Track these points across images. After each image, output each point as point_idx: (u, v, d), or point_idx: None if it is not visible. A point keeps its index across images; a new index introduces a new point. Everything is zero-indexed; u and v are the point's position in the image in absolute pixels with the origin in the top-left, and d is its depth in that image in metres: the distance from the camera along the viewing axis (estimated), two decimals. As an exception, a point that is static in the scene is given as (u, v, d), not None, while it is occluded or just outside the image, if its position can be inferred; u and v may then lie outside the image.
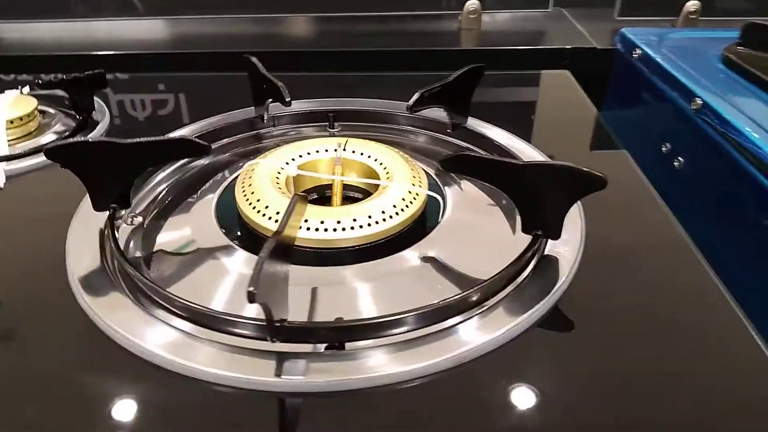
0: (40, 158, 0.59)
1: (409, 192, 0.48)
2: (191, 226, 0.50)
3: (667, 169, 0.69)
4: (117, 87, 0.80)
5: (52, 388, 0.36)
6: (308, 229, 0.45)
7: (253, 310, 0.38)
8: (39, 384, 0.37)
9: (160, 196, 0.55)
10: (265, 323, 0.36)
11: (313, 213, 0.45)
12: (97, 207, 0.48)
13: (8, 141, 0.62)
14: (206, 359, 0.36)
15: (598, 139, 0.66)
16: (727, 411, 0.35)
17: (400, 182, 0.49)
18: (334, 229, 0.45)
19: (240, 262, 0.45)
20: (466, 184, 0.54)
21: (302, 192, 0.49)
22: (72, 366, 0.38)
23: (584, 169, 0.39)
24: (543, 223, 0.44)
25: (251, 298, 0.31)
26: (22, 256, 0.48)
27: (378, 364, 0.36)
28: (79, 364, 0.38)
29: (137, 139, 0.46)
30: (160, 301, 0.41)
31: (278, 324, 0.36)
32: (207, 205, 0.52)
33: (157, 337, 0.38)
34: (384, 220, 0.46)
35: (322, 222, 0.45)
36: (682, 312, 0.41)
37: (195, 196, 0.55)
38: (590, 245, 0.46)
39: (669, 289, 0.43)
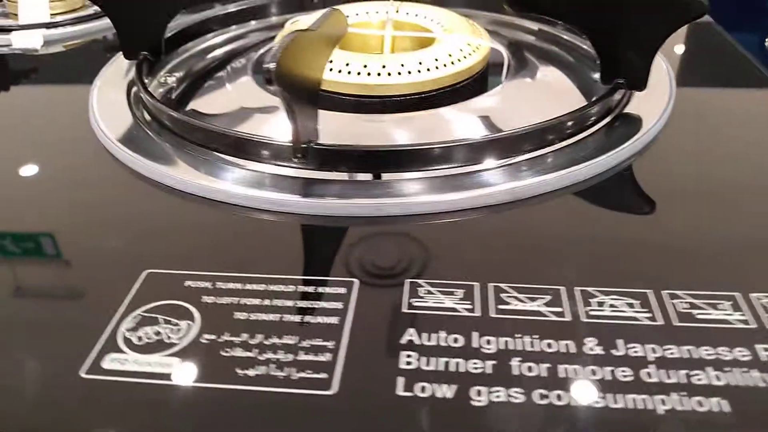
0: (79, 26, 0.57)
1: (468, 44, 0.42)
2: (228, 89, 0.46)
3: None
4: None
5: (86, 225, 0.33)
6: (349, 73, 0.39)
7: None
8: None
9: (196, 66, 0.50)
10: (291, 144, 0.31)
11: (355, 57, 0.39)
12: (128, 53, 0.44)
13: (51, 13, 0.59)
14: (233, 182, 0.32)
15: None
16: None
17: (459, 35, 0.42)
18: (378, 74, 0.39)
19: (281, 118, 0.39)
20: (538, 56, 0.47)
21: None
22: (102, 201, 0.35)
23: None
24: (626, 69, 0.37)
25: (268, 76, 0.26)
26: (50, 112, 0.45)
27: (415, 192, 0.31)
28: (108, 197, 0.35)
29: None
30: (180, 131, 0.37)
31: (305, 144, 0.31)
32: (243, 70, 0.47)
33: (181, 165, 0.34)
34: (437, 68, 0.40)
35: (365, 66, 0.39)
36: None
37: (232, 66, 0.49)
38: (678, 108, 0.39)
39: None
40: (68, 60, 0.55)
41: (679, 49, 0.50)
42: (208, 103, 0.44)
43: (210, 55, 0.51)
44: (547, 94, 0.42)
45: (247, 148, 0.33)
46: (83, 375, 0.23)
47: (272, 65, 0.26)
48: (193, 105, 0.43)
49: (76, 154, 0.39)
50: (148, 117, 0.39)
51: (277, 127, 0.34)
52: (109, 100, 0.41)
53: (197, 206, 0.32)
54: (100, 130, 0.38)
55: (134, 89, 0.42)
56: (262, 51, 0.50)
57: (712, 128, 0.39)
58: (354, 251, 0.29)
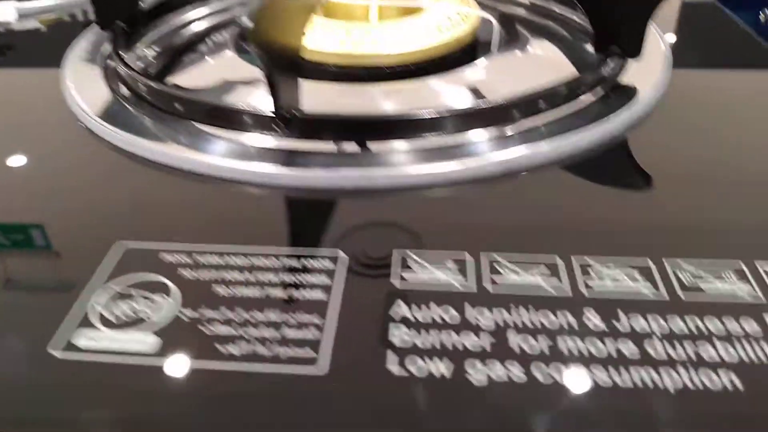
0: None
1: (458, 14, 0.40)
2: (210, 63, 0.44)
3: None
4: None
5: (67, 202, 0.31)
6: (333, 42, 0.37)
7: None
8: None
9: (176, 39, 0.48)
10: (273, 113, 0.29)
11: (340, 26, 0.38)
12: (102, 22, 0.42)
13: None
14: (214, 154, 0.31)
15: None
16: None
17: (448, 4, 0.41)
18: (364, 43, 0.37)
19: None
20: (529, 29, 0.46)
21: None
22: (76, 174, 0.33)
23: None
24: (620, 35, 0.35)
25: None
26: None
27: (404, 163, 0.30)
28: (82, 171, 0.33)
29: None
30: (156, 101, 0.35)
31: (286, 112, 0.29)
32: (225, 44, 0.45)
33: (160, 137, 0.33)
34: (425, 37, 0.38)
35: (350, 35, 0.37)
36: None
37: (214, 40, 0.47)
38: (676, 80, 0.37)
39: None
40: (42, 35, 0.52)
41: (677, 27, 0.49)
42: (190, 77, 0.42)
43: (190, 29, 0.49)
44: (539, 66, 0.41)
45: (227, 118, 0.31)
46: (52, 352, 0.21)
47: (249, 23, 0.25)
48: (173, 79, 0.41)
49: (47, 126, 0.37)
50: (125, 90, 0.37)
51: (261, 100, 0.32)
52: (82, 74, 0.39)
53: (177, 179, 0.31)
54: (75, 103, 0.36)
55: (109, 62, 0.40)
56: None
57: (711, 99, 0.38)
58: (341, 224, 0.27)
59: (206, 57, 0.45)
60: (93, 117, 0.34)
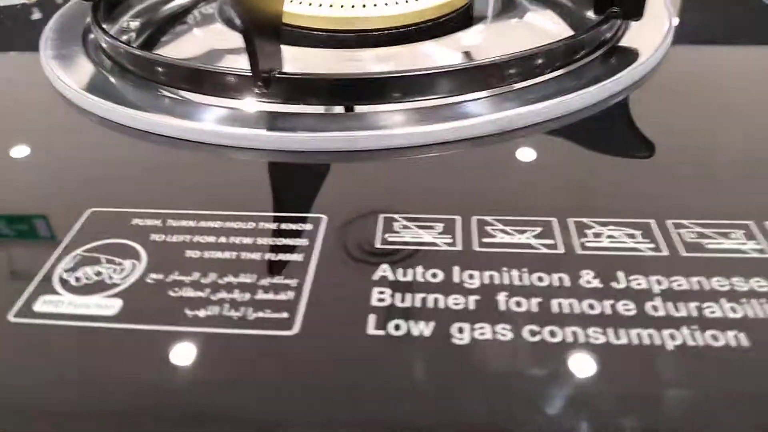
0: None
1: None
2: (196, 35, 0.42)
3: None
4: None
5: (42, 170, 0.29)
6: (321, 5, 0.36)
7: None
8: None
9: (162, 11, 0.46)
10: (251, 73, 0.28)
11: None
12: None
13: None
14: (194, 119, 0.30)
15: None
16: None
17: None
18: (353, 6, 0.36)
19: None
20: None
21: None
22: (47, 140, 0.32)
23: None
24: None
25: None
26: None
27: (392, 124, 0.28)
28: (55, 137, 0.32)
29: None
30: (135, 67, 0.34)
31: (267, 72, 0.28)
32: (213, 17, 0.43)
33: (139, 104, 0.31)
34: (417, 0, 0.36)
35: (336, -4, 0.36)
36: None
37: (201, 12, 0.46)
38: (678, 44, 0.36)
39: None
40: (26, 11, 0.51)
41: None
42: (175, 48, 0.40)
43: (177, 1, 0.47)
44: (536, 31, 0.39)
45: (206, 81, 0.30)
46: (11, 319, 0.20)
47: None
48: (158, 51, 0.40)
49: (26, 100, 0.35)
50: (106, 61, 0.36)
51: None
52: (62, 47, 0.38)
53: (158, 146, 0.29)
54: (55, 75, 0.34)
55: (91, 36, 0.38)
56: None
57: (714, 62, 0.36)
58: (323, 186, 0.26)
59: (193, 29, 0.43)
60: (71, 86, 0.33)
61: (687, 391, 0.17)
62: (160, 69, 0.32)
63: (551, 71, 0.31)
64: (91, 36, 0.39)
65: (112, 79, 0.34)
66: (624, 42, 0.35)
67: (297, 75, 0.29)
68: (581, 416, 0.17)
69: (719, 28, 0.41)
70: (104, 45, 0.36)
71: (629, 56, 0.33)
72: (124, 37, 0.41)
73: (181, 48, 0.40)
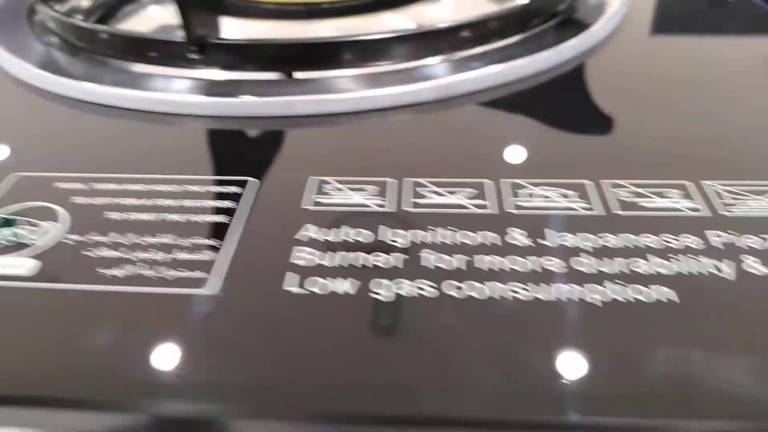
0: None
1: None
2: (150, 12, 0.41)
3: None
4: None
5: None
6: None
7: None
8: None
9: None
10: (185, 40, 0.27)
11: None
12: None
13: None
14: (129, 86, 0.29)
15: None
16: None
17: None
18: (304, -22, 0.35)
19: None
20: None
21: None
22: None
23: None
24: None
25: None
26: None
27: (330, 89, 0.27)
28: None
29: None
30: (75, 37, 0.32)
31: (200, 37, 0.27)
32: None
33: (75, 73, 0.30)
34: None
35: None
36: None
37: None
38: (633, 16, 0.36)
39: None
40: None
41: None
42: (127, 25, 0.40)
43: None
44: (497, 5, 0.39)
45: (144, 49, 0.29)
46: None
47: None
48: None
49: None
50: (52, 37, 0.35)
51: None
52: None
53: (88, 114, 0.29)
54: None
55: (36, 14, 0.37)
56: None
57: (667, 29, 0.35)
58: (258, 152, 0.25)
59: (147, 7, 0.42)
60: (2, 54, 0.32)
61: (615, 345, 0.17)
62: (98, 38, 0.31)
63: (503, 38, 0.30)
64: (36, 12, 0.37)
65: (54, 51, 0.33)
66: (579, 8, 0.34)
67: (233, 41, 0.28)
68: (504, 373, 0.16)
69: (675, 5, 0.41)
70: (41, 16, 0.35)
71: (582, 24, 0.33)
72: (79, 17, 0.40)
73: (132, 25, 0.39)
